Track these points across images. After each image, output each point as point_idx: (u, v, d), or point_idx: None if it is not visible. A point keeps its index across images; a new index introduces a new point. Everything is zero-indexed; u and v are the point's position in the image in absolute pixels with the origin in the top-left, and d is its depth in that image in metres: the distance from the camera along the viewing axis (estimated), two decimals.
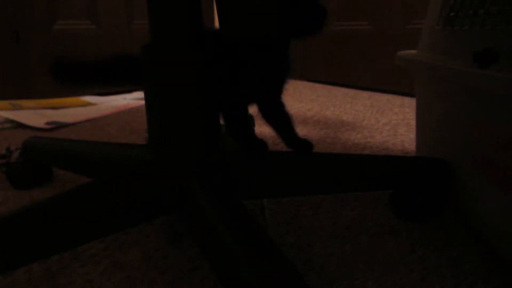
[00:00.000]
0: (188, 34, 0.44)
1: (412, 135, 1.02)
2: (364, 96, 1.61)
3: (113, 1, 1.65)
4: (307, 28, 0.45)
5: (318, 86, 1.92)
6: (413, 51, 0.67)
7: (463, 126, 0.50)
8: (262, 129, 1.10)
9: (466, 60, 0.45)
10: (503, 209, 0.43)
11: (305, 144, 0.53)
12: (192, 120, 0.44)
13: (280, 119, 0.54)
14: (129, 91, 1.71)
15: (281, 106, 0.53)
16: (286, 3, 0.43)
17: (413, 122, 1.16)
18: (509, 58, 0.39)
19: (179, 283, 0.44)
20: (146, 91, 0.46)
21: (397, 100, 1.52)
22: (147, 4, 0.45)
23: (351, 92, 1.73)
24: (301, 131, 1.08)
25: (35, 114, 1.24)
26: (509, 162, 0.40)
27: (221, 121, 0.51)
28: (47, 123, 1.15)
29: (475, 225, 0.50)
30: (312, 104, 1.46)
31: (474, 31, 0.46)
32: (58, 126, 1.14)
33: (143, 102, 1.37)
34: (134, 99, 1.55)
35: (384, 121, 1.18)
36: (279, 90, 0.52)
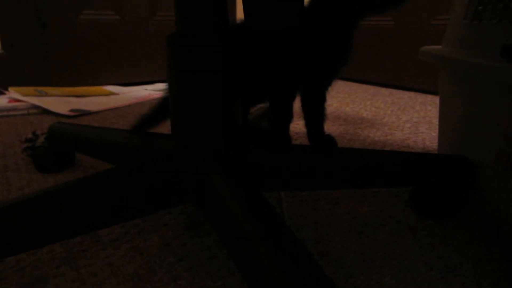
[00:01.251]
0: (213, 24, 0.44)
1: (434, 133, 1.01)
2: (385, 93, 1.59)
3: None
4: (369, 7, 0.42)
5: (338, 82, 1.90)
6: (438, 46, 0.66)
7: (486, 121, 0.49)
8: None
9: (494, 54, 0.44)
10: None
11: (328, 142, 0.53)
12: (214, 110, 0.45)
13: (314, 113, 0.52)
14: (151, 82, 1.73)
15: (322, 100, 0.52)
16: None
17: (435, 120, 1.14)
18: None
19: (196, 271, 0.45)
20: (170, 80, 0.46)
21: (419, 97, 1.49)
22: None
23: (371, 89, 1.71)
24: None
25: (59, 101, 1.27)
26: None
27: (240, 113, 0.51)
28: (71, 110, 1.17)
29: (498, 223, 0.49)
30: (331, 100, 1.45)
31: (503, 25, 0.44)
32: (82, 113, 1.17)
33: None
34: (156, 90, 1.57)
35: (405, 119, 1.16)
36: (327, 82, 0.51)
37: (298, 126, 1.07)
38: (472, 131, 0.54)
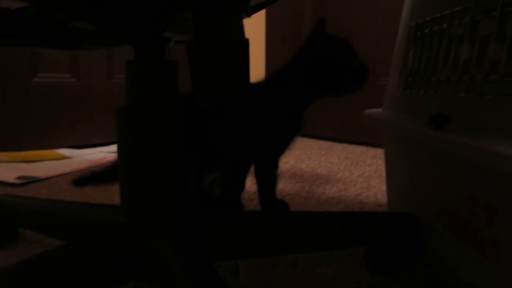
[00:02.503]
0: (164, 98, 0.46)
1: (385, 187, 1.05)
2: (339, 148, 1.65)
3: (95, 55, 1.69)
4: (348, 87, 0.48)
5: None
6: (379, 110, 0.71)
7: (427, 181, 0.52)
8: None
9: (424, 121, 0.48)
10: (467, 261, 0.44)
11: (280, 207, 0.54)
12: (165, 183, 0.45)
13: (267, 179, 0.54)
14: (106, 143, 1.70)
15: (275, 168, 0.54)
16: (327, 62, 0.46)
17: (385, 174, 1.19)
18: (460, 121, 0.42)
19: None
20: (119, 153, 0.47)
21: (370, 151, 1.56)
22: (125, 71, 0.47)
23: (326, 144, 1.77)
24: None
25: (6, 168, 1.21)
26: (469, 217, 0.42)
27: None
28: (19, 178, 1.12)
29: (445, 276, 0.51)
30: (287, 157, 1.49)
31: (429, 95, 0.49)
32: (30, 181, 1.12)
33: None
34: (111, 152, 1.55)
35: (358, 173, 1.21)
36: (280, 151, 0.54)
37: (255, 185, 1.08)
38: (415, 190, 0.58)
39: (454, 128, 0.42)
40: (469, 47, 0.43)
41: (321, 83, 0.49)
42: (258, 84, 0.54)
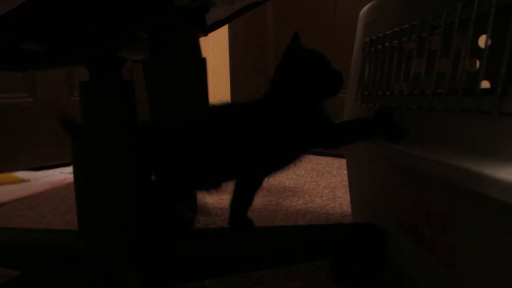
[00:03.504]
0: (120, 119, 0.45)
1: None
2: (305, 160, 1.67)
3: (53, 74, 1.63)
4: (326, 93, 0.51)
5: None
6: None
7: (386, 193, 0.54)
8: (207, 199, 1.09)
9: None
10: (426, 268, 0.45)
11: (246, 225, 0.54)
12: (124, 206, 0.44)
13: (246, 199, 0.54)
14: (68, 164, 1.64)
15: (257, 187, 0.55)
16: (303, 71, 0.48)
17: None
18: (414, 134, 0.43)
19: None
20: (76, 177, 0.45)
21: (335, 162, 1.60)
22: (79, 93, 0.45)
23: None
24: None
25: None
26: (425, 226, 0.43)
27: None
28: None
29: (407, 284, 0.52)
30: None
31: None
32: None
33: None
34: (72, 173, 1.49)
35: (324, 184, 1.23)
36: (266, 172, 0.54)
37: (222, 201, 1.08)
38: (376, 201, 0.59)
39: (409, 141, 0.43)
40: (419, 61, 0.45)
41: (306, 92, 0.50)
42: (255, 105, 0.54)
